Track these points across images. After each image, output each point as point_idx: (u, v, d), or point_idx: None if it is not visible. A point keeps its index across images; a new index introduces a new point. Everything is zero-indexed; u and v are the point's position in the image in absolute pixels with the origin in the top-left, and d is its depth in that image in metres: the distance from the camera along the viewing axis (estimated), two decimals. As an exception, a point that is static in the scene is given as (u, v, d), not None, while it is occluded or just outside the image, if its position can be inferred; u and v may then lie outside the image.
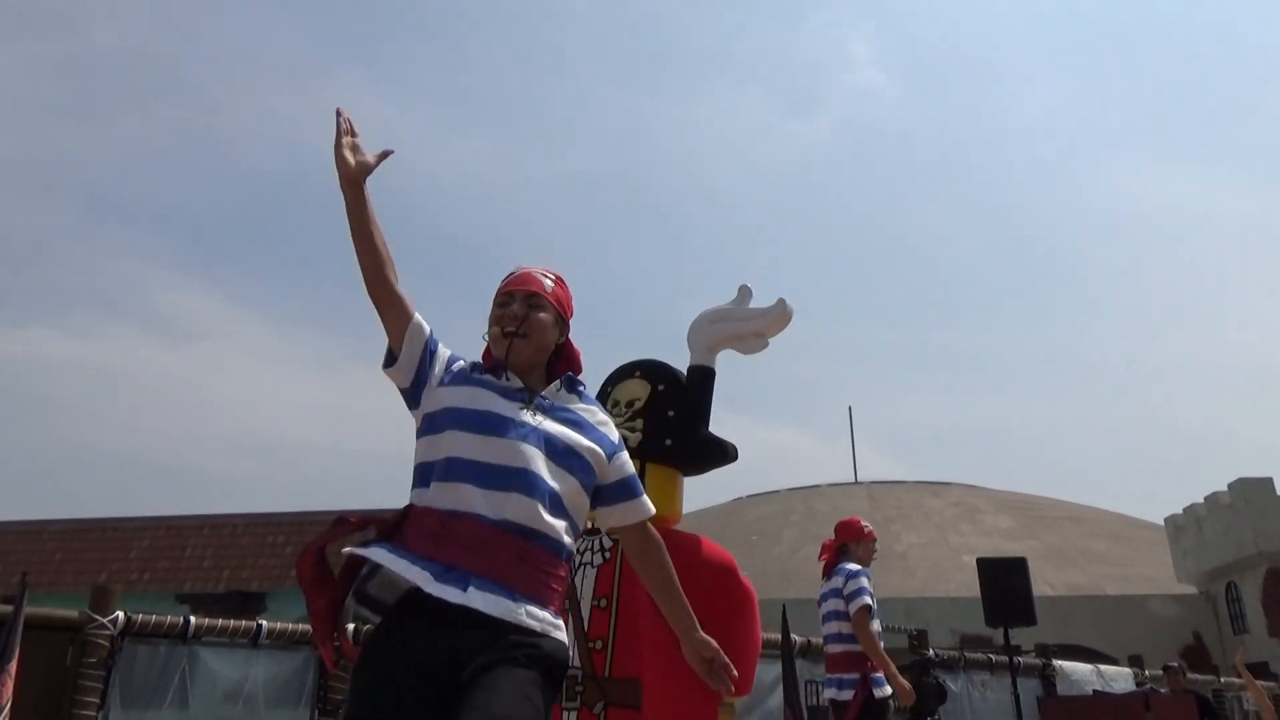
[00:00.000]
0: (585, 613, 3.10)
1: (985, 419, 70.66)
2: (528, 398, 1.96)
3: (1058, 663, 9.74)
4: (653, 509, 2.12)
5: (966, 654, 9.02)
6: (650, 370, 3.52)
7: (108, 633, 5.00)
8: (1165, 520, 27.45)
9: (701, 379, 3.53)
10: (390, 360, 1.97)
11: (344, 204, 1.95)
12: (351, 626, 4.04)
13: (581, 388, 2.10)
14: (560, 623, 1.85)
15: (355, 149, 1.97)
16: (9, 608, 4.65)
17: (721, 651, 2.07)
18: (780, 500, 36.56)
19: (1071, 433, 70.19)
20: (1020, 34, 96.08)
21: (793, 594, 22.66)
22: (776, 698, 6.67)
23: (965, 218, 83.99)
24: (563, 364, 2.10)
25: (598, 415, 2.07)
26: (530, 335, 2.01)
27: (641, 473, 3.23)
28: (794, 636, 6.66)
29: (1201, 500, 25.26)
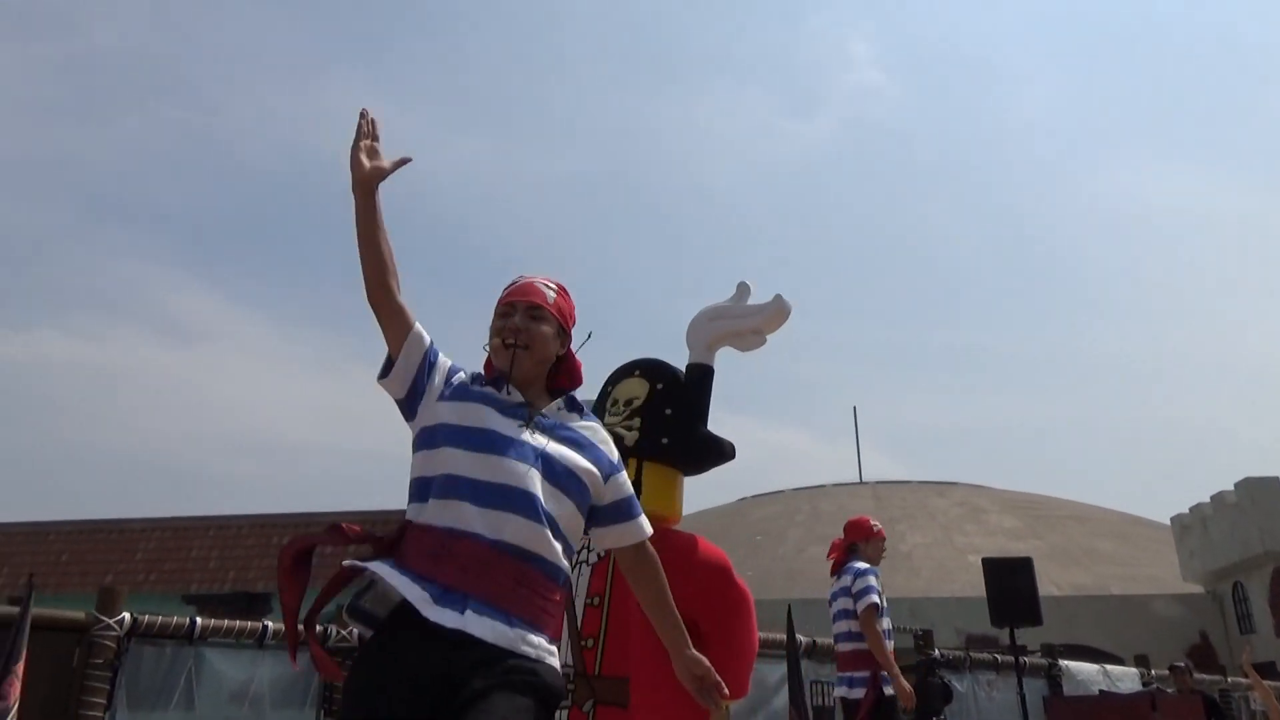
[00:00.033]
0: (579, 610, 3.10)
1: (989, 418, 70.62)
2: (527, 414, 1.95)
3: (1063, 663, 9.72)
4: (649, 530, 2.09)
5: (972, 654, 8.99)
6: (649, 369, 3.51)
7: (114, 634, 5.02)
8: (1171, 520, 27.39)
9: (700, 377, 3.52)
10: (387, 370, 1.95)
11: (353, 207, 1.92)
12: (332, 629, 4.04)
13: (583, 406, 2.08)
14: (555, 649, 1.84)
15: (372, 153, 1.95)
16: (16, 609, 4.66)
17: (712, 669, 2.04)
18: (785, 500, 36.53)
19: (1076, 432, 70.12)
20: (1020, 33, 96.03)
21: (798, 594, 22.63)
22: (782, 698, 6.66)
23: (966, 217, 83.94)
24: (563, 375, 2.09)
25: (599, 434, 2.05)
26: (532, 348, 1.99)
27: (638, 471, 3.25)
28: (799, 637, 6.65)
29: (1208, 500, 25.21)
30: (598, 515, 2.02)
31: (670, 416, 3.36)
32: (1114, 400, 70.25)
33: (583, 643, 3.06)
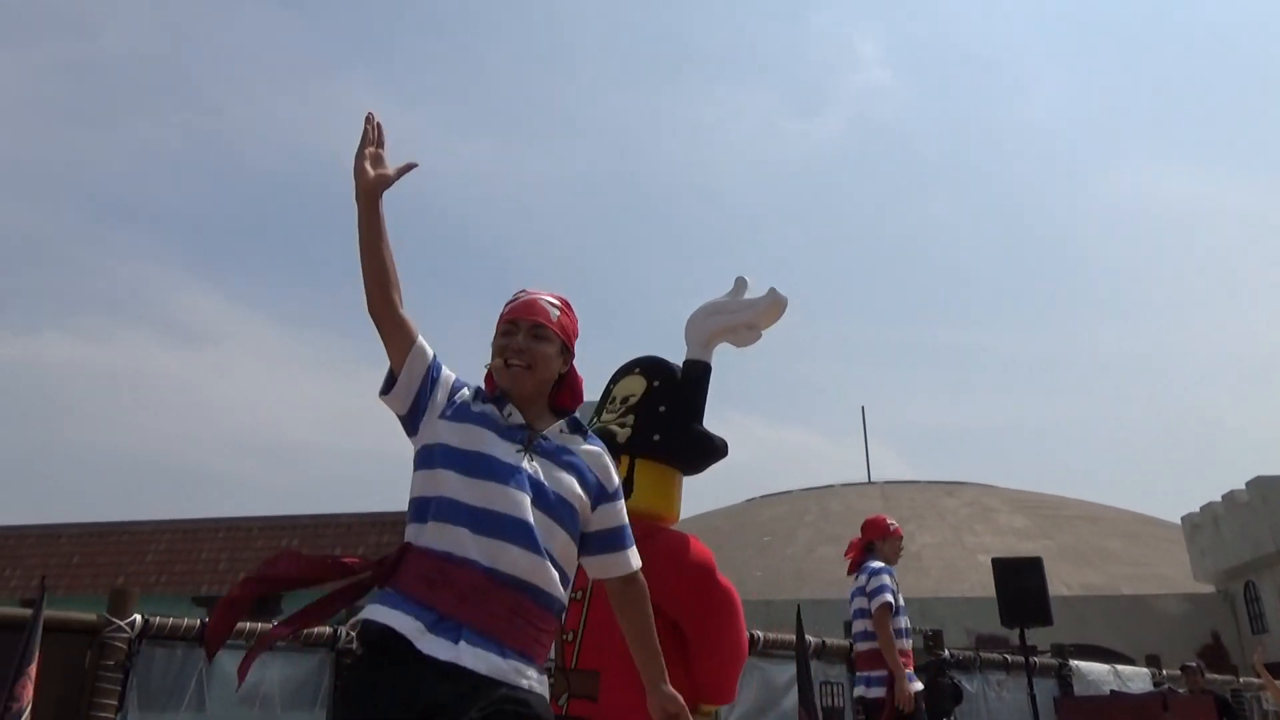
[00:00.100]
0: None
1: (998, 418, 70.41)
2: (527, 438, 1.92)
3: (1074, 663, 9.69)
4: (637, 564, 2.05)
5: (982, 654, 8.97)
6: (648, 366, 3.50)
7: (125, 635, 5.04)
8: (1182, 519, 27.26)
9: (695, 374, 3.49)
10: (389, 385, 1.92)
11: (356, 216, 1.89)
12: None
13: (587, 428, 2.05)
14: (545, 679, 1.85)
15: (377, 160, 1.92)
16: (28, 611, 4.69)
17: (686, 709, 2.02)
18: (793, 501, 36.48)
19: (1086, 431, 69.83)
20: (1027, 33, 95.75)
21: (807, 594, 22.59)
22: (791, 698, 6.65)
23: (975, 216, 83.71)
24: (565, 392, 2.07)
25: (599, 460, 2.02)
26: (534, 368, 1.97)
27: (630, 469, 3.24)
28: (808, 637, 6.64)
29: (1219, 499, 25.08)
30: (584, 543, 1.98)
31: (664, 413, 3.34)
32: (1123, 399, 69.99)
33: (563, 636, 3.07)
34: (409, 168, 1.95)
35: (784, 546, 30.10)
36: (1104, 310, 72.73)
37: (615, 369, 3.64)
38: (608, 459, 2.05)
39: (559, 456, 1.95)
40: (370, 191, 1.89)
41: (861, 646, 5.20)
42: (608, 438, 3.25)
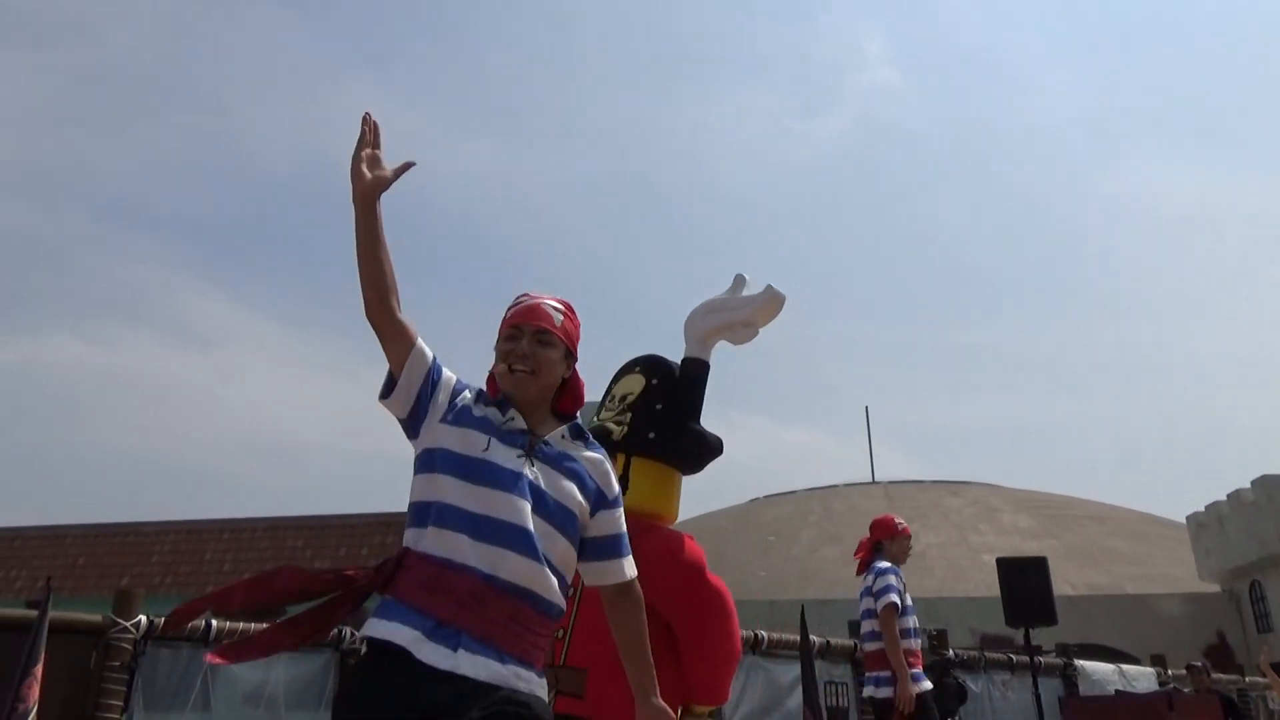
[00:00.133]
0: None
1: (1002, 417, 70.32)
2: (529, 443, 1.92)
3: (1079, 662, 9.67)
4: (632, 572, 2.05)
5: (987, 654, 8.97)
6: (648, 365, 3.49)
7: (130, 636, 5.06)
8: (1187, 518, 27.22)
9: (692, 372, 3.48)
10: (389, 389, 1.91)
11: (353, 220, 1.87)
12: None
13: (588, 434, 2.05)
14: (544, 681, 1.85)
15: (374, 162, 1.89)
16: (34, 612, 4.71)
17: None
18: (797, 501, 36.47)
19: (1090, 431, 69.76)
20: (1033, 32, 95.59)
21: (811, 594, 22.59)
22: (796, 698, 6.65)
23: (979, 215, 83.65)
24: (567, 396, 2.07)
25: (600, 466, 2.02)
26: (538, 373, 1.96)
27: (626, 467, 3.24)
28: (813, 637, 6.64)
29: (1224, 498, 25.03)
30: (581, 549, 1.98)
31: (660, 411, 3.33)
32: (1128, 398, 69.89)
33: (555, 633, 3.06)
34: (407, 167, 1.93)
35: (788, 546, 30.09)
36: (1108, 309, 72.69)
37: (617, 369, 3.64)
38: (608, 466, 2.04)
39: (560, 463, 1.94)
40: (367, 196, 1.87)
41: (869, 647, 5.22)
42: (604, 435, 3.25)
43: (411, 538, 1.84)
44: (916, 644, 5.13)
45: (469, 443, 1.87)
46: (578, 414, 2.13)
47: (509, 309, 2.07)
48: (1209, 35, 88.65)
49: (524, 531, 1.80)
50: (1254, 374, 67.70)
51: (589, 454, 2.01)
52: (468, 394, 1.98)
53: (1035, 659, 8.15)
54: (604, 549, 2.01)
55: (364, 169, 1.88)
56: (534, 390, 1.97)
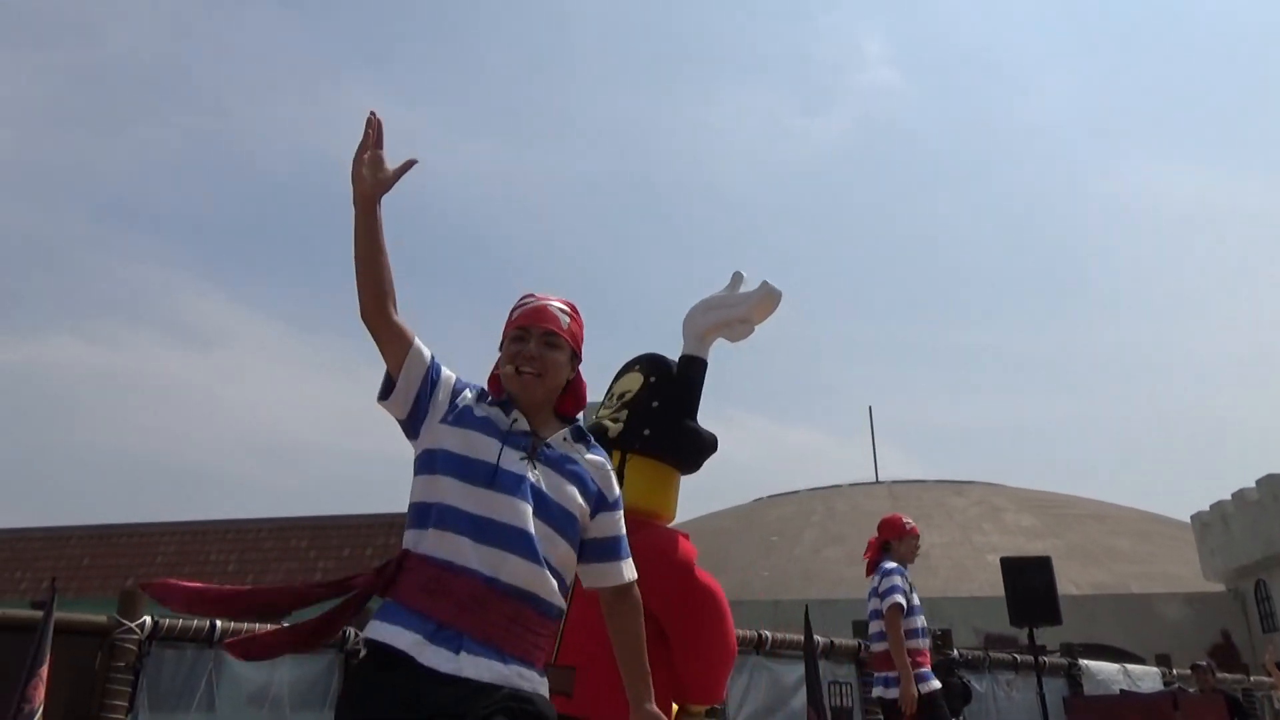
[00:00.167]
0: None
1: (1005, 417, 70.19)
2: (531, 445, 1.92)
3: (1084, 662, 9.66)
4: (632, 575, 2.04)
5: (991, 654, 8.96)
6: (647, 363, 3.50)
7: (135, 637, 5.07)
8: (1192, 518, 27.17)
9: (689, 370, 3.47)
10: (387, 390, 1.90)
11: (352, 221, 1.85)
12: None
13: (590, 437, 2.05)
14: (545, 679, 1.86)
15: (376, 163, 1.86)
16: (39, 613, 4.72)
17: None
18: (800, 501, 36.44)
19: (1094, 430, 69.62)
20: (1034, 31, 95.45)
21: (814, 594, 22.58)
22: (800, 698, 6.65)
23: (980, 215, 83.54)
24: (569, 398, 2.07)
25: (602, 469, 2.02)
26: (545, 375, 1.96)
27: (621, 464, 3.23)
28: (816, 637, 6.64)
29: (1229, 497, 24.98)
30: (581, 550, 1.98)
31: (656, 409, 3.33)
32: (1132, 398, 69.75)
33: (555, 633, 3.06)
34: (408, 166, 1.90)
35: (791, 546, 30.07)
36: (1109, 308, 72.54)
37: (618, 369, 3.64)
38: (610, 468, 2.05)
39: (562, 465, 1.94)
40: (368, 197, 1.85)
41: (877, 647, 5.26)
42: (600, 433, 3.25)
43: (412, 539, 1.84)
44: (924, 644, 5.15)
45: (470, 444, 1.86)
46: (579, 416, 2.13)
47: (515, 309, 2.07)
48: (1209, 35, 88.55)
49: (526, 535, 1.80)
50: (1256, 373, 67.59)
51: (591, 456, 2.01)
52: (468, 393, 1.97)
53: (1040, 659, 8.14)
54: (603, 551, 2.00)
55: (365, 172, 1.85)
56: (540, 393, 1.97)
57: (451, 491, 1.81)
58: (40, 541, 16.46)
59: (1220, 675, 10.31)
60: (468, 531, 1.78)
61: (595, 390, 2.35)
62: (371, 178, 1.86)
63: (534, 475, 1.88)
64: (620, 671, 2.05)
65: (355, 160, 1.86)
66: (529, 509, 1.83)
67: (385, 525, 15.54)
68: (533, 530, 1.81)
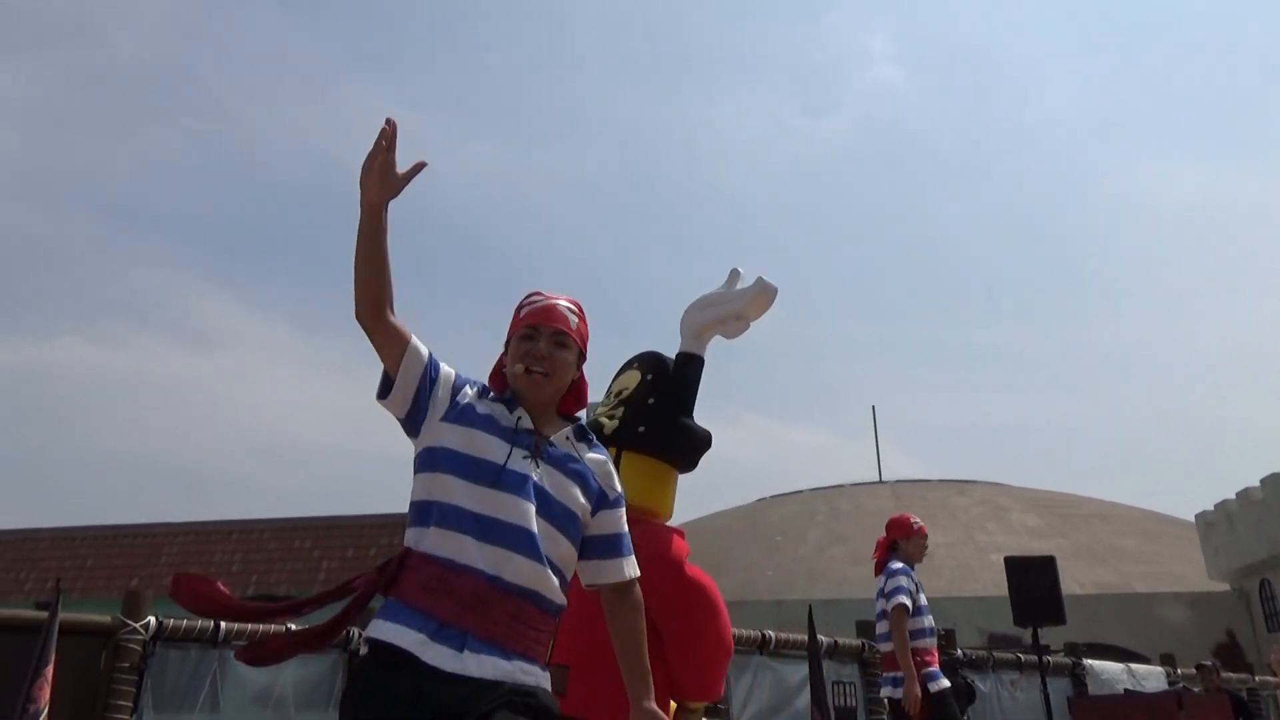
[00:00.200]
0: None
1: (1008, 416, 70.05)
2: (534, 444, 1.92)
3: (1088, 662, 9.65)
4: (633, 573, 2.04)
5: (995, 653, 8.95)
6: (645, 361, 3.50)
7: (140, 637, 5.08)
8: (1196, 517, 27.11)
9: (685, 366, 3.47)
10: (386, 389, 1.90)
11: (358, 224, 1.84)
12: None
13: (592, 435, 2.06)
14: (547, 673, 1.86)
15: (386, 169, 1.84)
16: (44, 614, 4.73)
17: None
18: (804, 500, 36.41)
19: (1098, 429, 69.46)
20: (1038, 28, 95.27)
21: (818, 594, 22.56)
22: (804, 698, 6.64)
23: (984, 214, 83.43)
24: (571, 396, 2.07)
25: (604, 467, 2.03)
26: (553, 375, 1.97)
27: (617, 461, 3.22)
28: (820, 637, 6.64)
29: (1233, 496, 24.93)
30: (581, 547, 1.98)
31: (652, 406, 3.32)
32: (1136, 396, 69.58)
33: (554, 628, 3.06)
34: (418, 169, 1.89)
35: (795, 546, 30.05)
36: (1116, 307, 72.41)
37: (619, 367, 3.65)
38: (611, 466, 2.06)
39: (565, 464, 1.95)
40: (376, 203, 1.84)
41: (885, 647, 5.29)
42: (596, 430, 3.26)
43: (413, 537, 1.84)
44: (932, 643, 5.17)
45: (473, 442, 1.87)
46: (581, 414, 2.14)
47: (522, 306, 2.07)
48: (1212, 32, 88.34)
49: (529, 534, 1.81)
50: (1260, 372, 67.46)
51: (592, 455, 2.02)
52: (469, 390, 1.97)
53: (1044, 658, 8.13)
54: (605, 548, 2.01)
55: (375, 178, 1.83)
56: (548, 393, 1.98)
57: (454, 490, 1.82)
58: (45, 542, 16.48)
59: (1225, 675, 10.29)
60: (471, 530, 1.78)
61: (595, 389, 2.36)
62: (381, 182, 1.84)
63: (537, 474, 1.88)
64: (620, 669, 2.04)
65: (366, 164, 1.84)
66: (533, 508, 1.83)
67: (389, 526, 15.55)
68: (536, 529, 1.82)
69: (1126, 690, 9.15)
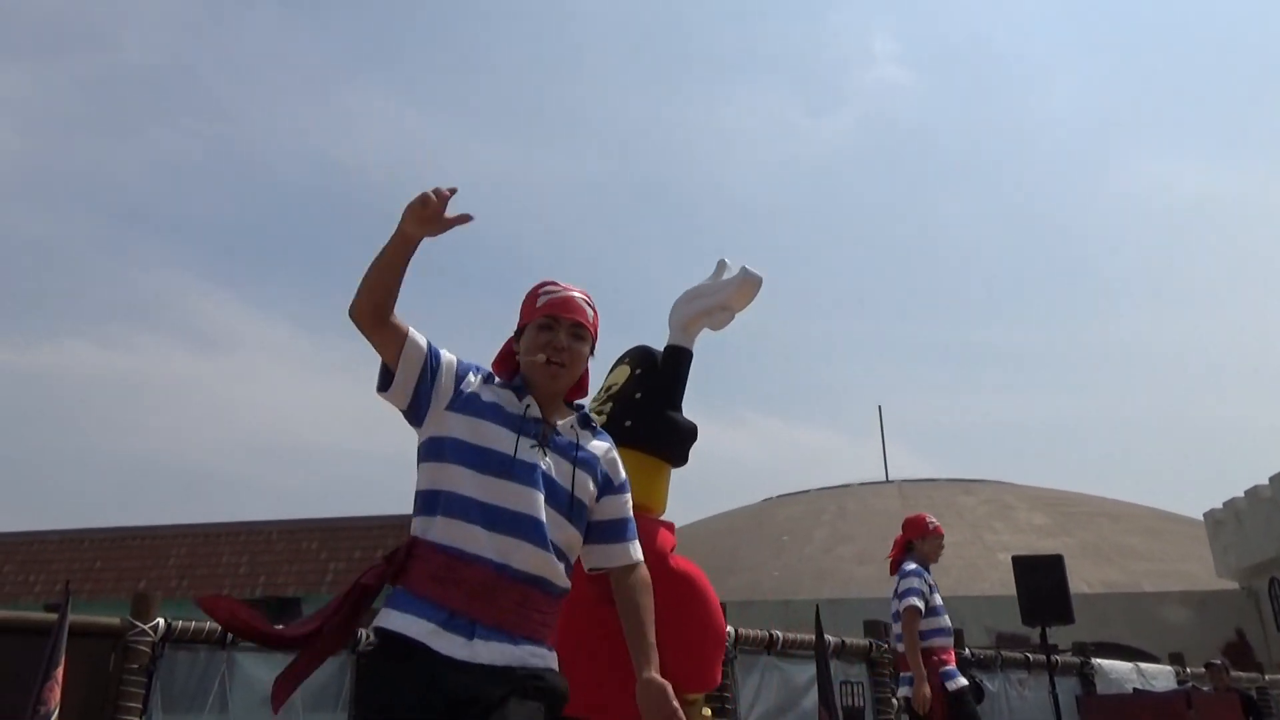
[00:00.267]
0: None
1: (1015, 415, 69.83)
2: (541, 433, 1.93)
3: (1096, 661, 9.62)
4: (638, 556, 2.05)
5: (1003, 653, 8.93)
6: (635, 355, 3.51)
7: (149, 639, 5.10)
8: (1204, 515, 27.01)
9: (673, 359, 3.46)
10: (386, 381, 1.89)
11: (390, 245, 1.83)
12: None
13: (595, 423, 2.08)
14: (554, 654, 1.88)
15: (437, 216, 1.82)
16: (54, 616, 4.75)
17: (670, 695, 1.89)
18: (810, 500, 36.36)
19: (1105, 428, 69.18)
20: (1043, 28, 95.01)
21: (825, 594, 22.53)
22: (811, 698, 6.64)
23: (990, 211, 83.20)
24: (574, 387, 2.09)
25: (609, 454, 2.05)
26: (570, 366, 1.99)
27: None
28: (828, 636, 6.63)
29: (1242, 494, 24.83)
30: (587, 532, 2.00)
31: (639, 400, 3.33)
32: (1143, 395, 69.33)
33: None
34: (463, 220, 1.86)
35: (801, 546, 30.01)
36: (1123, 305, 72.14)
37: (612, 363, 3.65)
38: (615, 453, 2.09)
39: (571, 452, 1.96)
40: (414, 237, 1.83)
41: (899, 647, 5.28)
42: None
43: (420, 526, 1.85)
44: (948, 642, 5.18)
45: (480, 432, 1.87)
46: (584, 402, 2.17)
47: (540, 296, 2.06)
48: (1216, 30, 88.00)
49: (537, 522, 1.82)
50: (1267, 369, 67.11)
51: (597, 442, 2.05)
52: (473, 377, 1.96)
53: (1052, 658, 8.11)
54: (610, 532, 2.03)
55: (425, 216, 1.80)
56: (564, 383, 2.01)
57: (462, 480, 1.82)
58: (54, 545, 16.54)
59: (1234, 674, 10.26)
60: (480, 520, 1.79)
61: (595, 388, 2.37)
62: (428, 225, 1.82)
63: (545, 463, 1.90)
64: (628, 645, 2.03)
65: (419, 206, 1.80)
66: (541, 497, 1.85)
67: (396, 526, 15.56)
68: (543, 517, 1.83)
69: (1135, 689, 9.13)
